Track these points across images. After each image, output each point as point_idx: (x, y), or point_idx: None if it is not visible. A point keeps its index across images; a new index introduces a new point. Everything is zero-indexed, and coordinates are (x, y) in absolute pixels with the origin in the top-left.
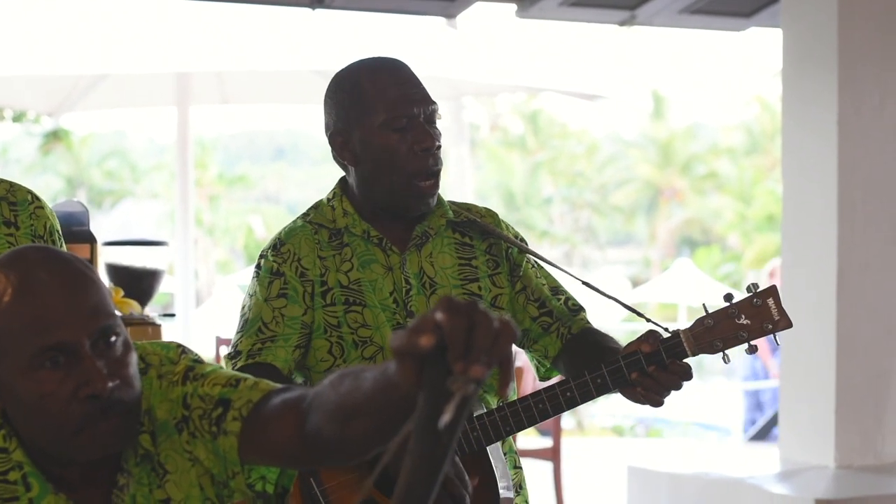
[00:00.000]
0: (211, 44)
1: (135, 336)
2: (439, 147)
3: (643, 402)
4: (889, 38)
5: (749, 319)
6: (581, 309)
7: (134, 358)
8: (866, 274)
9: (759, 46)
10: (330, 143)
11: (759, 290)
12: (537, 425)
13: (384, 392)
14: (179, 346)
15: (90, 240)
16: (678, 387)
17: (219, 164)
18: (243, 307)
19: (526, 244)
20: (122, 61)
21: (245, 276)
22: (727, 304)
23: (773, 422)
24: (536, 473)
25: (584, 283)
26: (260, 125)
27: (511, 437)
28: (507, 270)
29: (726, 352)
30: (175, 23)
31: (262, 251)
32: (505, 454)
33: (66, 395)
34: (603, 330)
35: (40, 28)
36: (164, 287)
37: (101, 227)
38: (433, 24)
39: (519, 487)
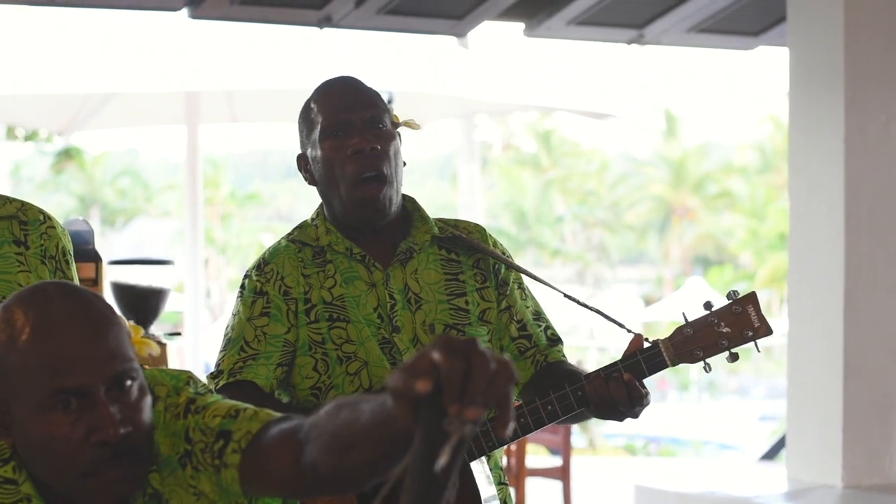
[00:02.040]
0: (219, 63)
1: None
2: (376, 150)
3: (604, 417)
4: (895, 57)
5: (729, 327)
6: (559, 341)
7: (148, 402)
8: (873, 293)
9: (772, 65)
10: (298, 167)
11: (738, 298)
12: (548, 444)
13: (382, 426)
14: (189, 376)
15: (95, 259)
16: (623, 400)
17: (231, 182)
18: (227, 327)
19: (511, 259)
20: (132, 80)
21: None
22: (707, 311)
23: (784, 442)
24: (546, 493)
25: (565, 295)
26: (271, 143)
27: (497, 453)
28: (494, 285)
29: (707, 360)
30: (184, 42)
31: (247, 272)
32: (490, 470)
33: (77, 439)
34: (575, 363)
35: (50, 47)
36: (175, 305)
37: (114, 245)
38: (445, 43)
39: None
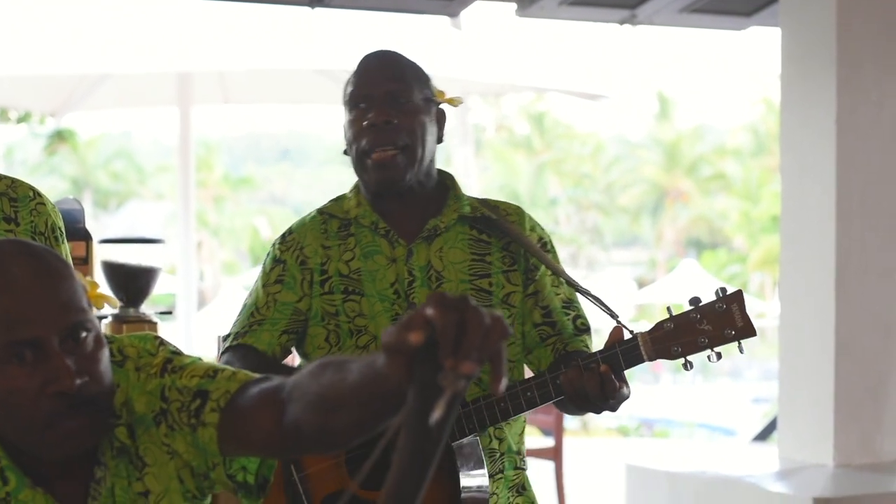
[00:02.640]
0: (211, 43)
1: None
2: (391, 123)
3: (580, 408)
4: (888, 38)
5: (711, 325)
6: (586, 331)
7: (105, 354)
8: (865, 275)
9: (765, 46)
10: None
11: (723, 295)
12: (540, 425)
13: (371, 385)
14: (157, 337)
15: (86, 237)
16: (595, 392)
17: (224, 165)
18: (248, 294)
19: (549, 247)
20: (124, 61)
21: (251, 278)
22: (691, 307)
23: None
24: (538, 473)
25: (567, 281)
26: (264, 127)
27: (519, 438)
28: (522, 269)
29: (688, 358)
30: (175, 22)
31: (274, 241)
32: (503, 454)
33: (34, 392)
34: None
35: (42, 28)
36: (168, 287)
37: (107, 228)
38: (437, 23)
39: (522, 488)
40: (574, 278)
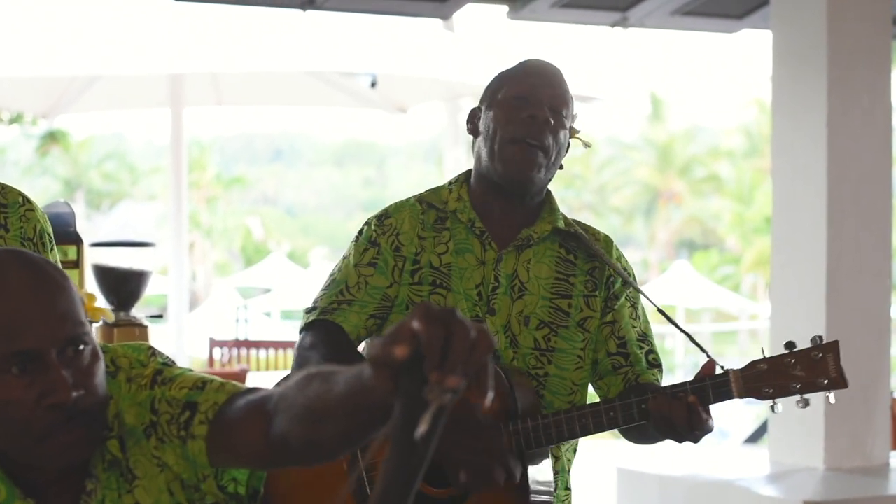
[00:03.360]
0: (203, 45)
1: (122, 337)
2: (549, 122)
3: (664, 435)
4: (878, 40)
5: (804, 371)
6: (659, 366)
7: (101, 367)
8: (856, 276)
9: (757, 48)
10: (467, 119)
11: (820, 344)
12: None
13: (358, 396)
14: (150, 348)
15: (77, 241)
16: (682, 422)
17: (216, 165)
18: (335, 267)
19: (632, 278)
20: (116, 63)
21: (243, 279)
22: (786, 351)
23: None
24: None
25: (660, 311)
26: (257, 127)
27: (572, 457)
28: (603, 296)
29: (776, 401)
30: (167, 24)
31: (368, 219)
32: (557, 472)
33: (30, 403)
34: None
35: (34, 29)
36: (160, 289)
37: (100, 229)
38: (429, 25)
39: None
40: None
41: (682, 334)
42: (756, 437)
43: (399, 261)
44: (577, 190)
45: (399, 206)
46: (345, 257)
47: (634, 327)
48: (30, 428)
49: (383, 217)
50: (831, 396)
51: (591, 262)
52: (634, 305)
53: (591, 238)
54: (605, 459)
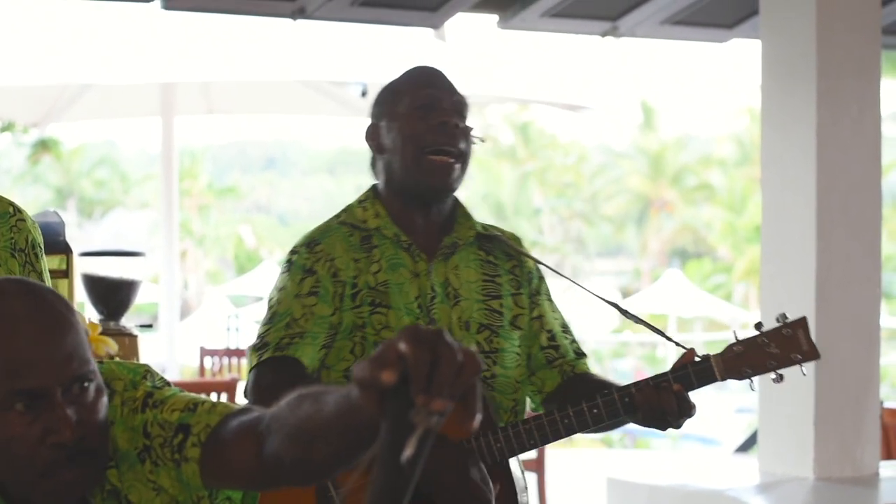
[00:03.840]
0: (194, 54)
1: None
2: (458, 127)
3: (650, 425)
4: (868, 49)
5: (778, 349)
6: (584, 355)
7: (104, 402)
8: (845, 286)
9: (748, 58)
10: (365, 139)
11: (789, 321)
12: None
13: (347, 416)
14: (146, 369)
15: (66, 250)
16: (672, 410)
17: (209, 174)
18: (271, 300)
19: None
20: (107, 72)
21: (235, 287)
22: (758, 332)
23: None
24: None
25: (612, 304)
26: (249, 135)
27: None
28: (527, 292)
29: (753, 379)
30: (159, 33)
31: (295, 247)
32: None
33: (33, 440)
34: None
35: (24, 38)
36: (151, 297)
37: (92, 237)
38: (420, 35)
39: None
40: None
41: (645, 327)
42: (746, 446)
43: (339, 286)
44: (569, 199)
45: (325, 231)
46: (280, 288)
47: (556, 319)
48: (32, 465)
49: (312, 244)
50: (804, 368)
51: (510, 261)
52: (550, 299)
53: (504, 237)
54: (594, 469)
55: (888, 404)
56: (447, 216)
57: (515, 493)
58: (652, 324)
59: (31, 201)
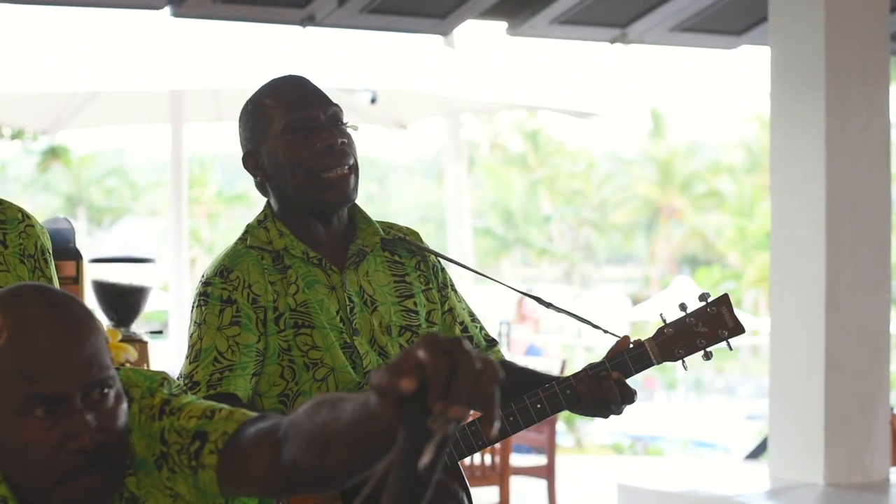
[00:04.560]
0: (204, 62)
1: (120, 353)
2: (345, 143)
3: (592, 415)
4: (876, 56)
5: (706, 327)
6: (495, 341)
7: (124, 409)
8: (855, 291)
9: (757, 64)
10: (245, 167)
11: (712, 299)
12: (534, 443)
13: (364, 424)
14: (164, 377)
15: (76, 257)
16: (615, 399)
17: (218, 182)
18: (192, 336)
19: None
20: (116, 79)
21: None
22: (683, 313)
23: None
24: (531, 492)
25: (539, 300)
26: None
27: None
28: (436, 287)
29: (685, 360)
30: (168, 41)
31: (207, 279)
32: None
33: (53, 446)
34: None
35: (33, 46)
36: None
37: (101, 244)
38: (429, 42)
39: None
40: (562, 297)
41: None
42: (757, 453)
43: (259, 312)
44: (577, 206)
45: (235, 258)
46: (199, 323)
47: (464, 309)
48: (51, 471)
49: (225, 273)
50: (731, 343)
51: (413, 258)
52: (455, 289)
53: (403, 236)
54: (605, 475)
55: None
56: (348, 223)
57: (470, 496)
58: (577, 314)
59: (41, 209)
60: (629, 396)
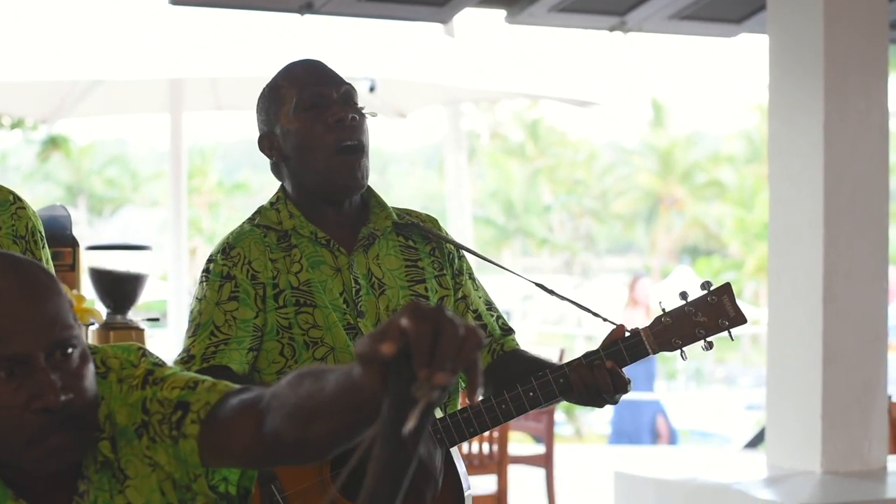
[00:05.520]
0: (202, 50)
1: (118, 340)
2: (356, 119)
3: (586, 404)
4: (875, 45)
5: (705, 316)
6: (511, 330)
7: (91, 369)
8: (852, 281)
9: (759, 55)
10: (261, 149)
11: (713, 288)
12: (532, 432)
13: (348, 394)
14: (140, 348)
15: (73, 244)
16: (607, 387)
17: (219, 171)
18: (192, 311)
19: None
20: (116, 67)
21: None
22: (683, 301)
23: None
24: (530, 480)
25: (539, 286)
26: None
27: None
28: (450, 273)
29: (684, 349)
30: (167, 29)
31: (211, 255)
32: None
33: (19, 407)
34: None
35: (33, 34)
36: (160, 294)
37: (102, 234)
38: (429, 30)
39: None
40: (564, 286)
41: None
42: (755, 442)
43: (258, 288)
44: (579, 196)
45: (239, 235)
46: (199, 299)
47: (480, 297)
48: (19, 432)
49: (228, 249)
50: (732, 333)
51: (429, 244)
52: (472, 277)
53: (420, 222)
54: (601, 463)
55: None
56: (361, 207)
57: (460, 482)
58: (578, 302)
59: (41, 199)
60: (622, 386)
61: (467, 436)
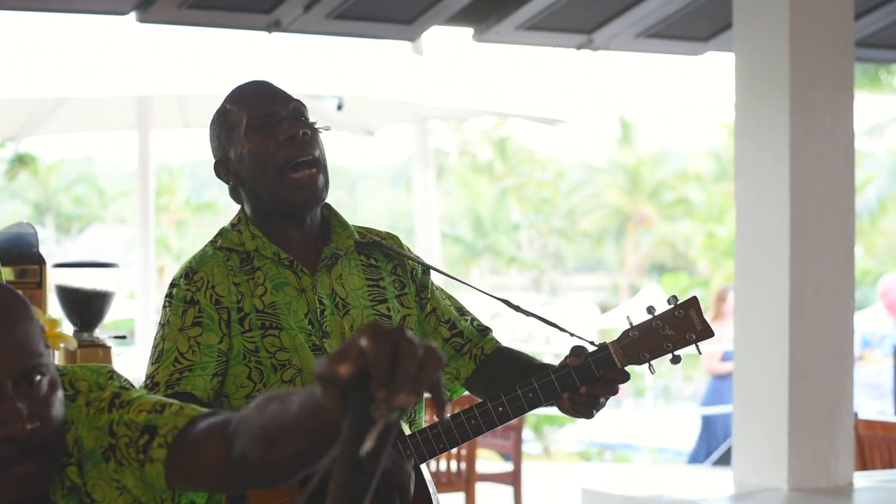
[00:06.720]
0: (170, 67)
1: (85, 358)
2: (307, 134)
3: (575, 415)
4: (841, 60)
5: (673, 330)
6: (488, 329)
7: (59, 396)
8: (819, 297)
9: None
10: (217, 175)
11: (681, 302)
12: (500, 449)
13: (311, 416)
14: (110, 371)
15: (39, 262)
16: (614, 392)
17: (186, 189)
18: (156, 337)
19: (427, 271)
20: (83, 85)
21: None
22: (651, 315)
23: None
24: (497, 498)
25: (507, 303)
26: None
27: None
28: (413, 291)
29: (652, 363)
30: (134, 46)
31: (174, 280)
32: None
33: None
34: (515, 347)
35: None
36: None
37: (69, 252)
38: (397, 48)
39: None
40: (531, 304)
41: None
42: (724, 459)
43: (223, 313)
44: (546, 214)
45: (201, 259)
46: (163, 325)
47: (450, 306)
48: None
49: (190, 274)
50: (700, 347)
51: (390, 262)
52: (439, 287)
53: (381, 240)
54: (569, 480)
55: (862, 416)
56: (321, 225)
57: (430, 499)
58: (547, 318)
59: (9, 217)
60: (595, 402)
61: (437, 451)
